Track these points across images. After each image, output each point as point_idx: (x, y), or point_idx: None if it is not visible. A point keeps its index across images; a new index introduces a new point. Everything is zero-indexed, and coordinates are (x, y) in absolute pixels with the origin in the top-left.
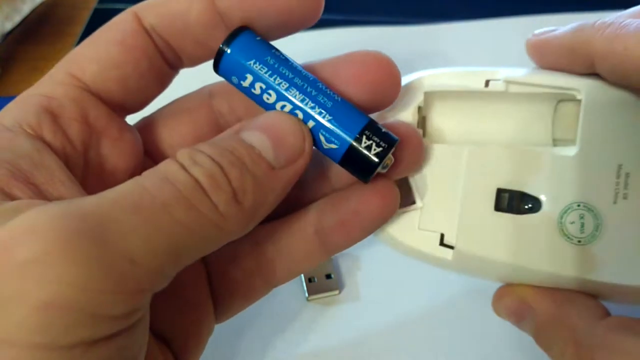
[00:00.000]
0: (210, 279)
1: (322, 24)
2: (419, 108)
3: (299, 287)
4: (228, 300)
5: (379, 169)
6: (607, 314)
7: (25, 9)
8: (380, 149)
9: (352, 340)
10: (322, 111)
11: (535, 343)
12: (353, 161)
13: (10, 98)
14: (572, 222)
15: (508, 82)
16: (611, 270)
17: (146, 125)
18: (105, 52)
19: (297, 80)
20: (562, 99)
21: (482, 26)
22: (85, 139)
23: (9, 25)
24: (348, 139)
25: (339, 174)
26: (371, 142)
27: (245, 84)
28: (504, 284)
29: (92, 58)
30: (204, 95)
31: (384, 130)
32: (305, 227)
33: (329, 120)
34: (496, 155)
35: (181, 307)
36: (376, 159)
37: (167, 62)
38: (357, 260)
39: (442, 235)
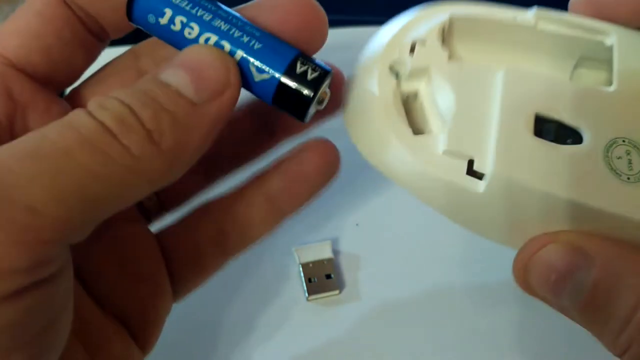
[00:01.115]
0: (165, 253)
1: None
2: (443, 32)
3: (299, 287)
4: (185, 274)
5: (315, 104)
6: None
7: None
8: (317, 73)
9: (352, 340)
10: (252, 39)
11: (581, 313)
12: (288, 94)
13: None
14: (619, 157)
15: (538, 17)
16: None
17: (75, 94)
18: (25, 24)
19: (220, 12)
20: (584, 55)
21: None
22: (9, 114)
23: None
24: (281, 66)
25: (283, 127)
26: (306, 67)
27: (164, 20)
28: (536, 234)
29: (13, 31)
30: (129, 57)
31: (316, 60)
32: (253, 194)
33: (258, 49)
34: (534, 80)
35: (135, 283)
36: (312, 88)
37: (90, 32)
38: (357, 260)
39: (470, 162)
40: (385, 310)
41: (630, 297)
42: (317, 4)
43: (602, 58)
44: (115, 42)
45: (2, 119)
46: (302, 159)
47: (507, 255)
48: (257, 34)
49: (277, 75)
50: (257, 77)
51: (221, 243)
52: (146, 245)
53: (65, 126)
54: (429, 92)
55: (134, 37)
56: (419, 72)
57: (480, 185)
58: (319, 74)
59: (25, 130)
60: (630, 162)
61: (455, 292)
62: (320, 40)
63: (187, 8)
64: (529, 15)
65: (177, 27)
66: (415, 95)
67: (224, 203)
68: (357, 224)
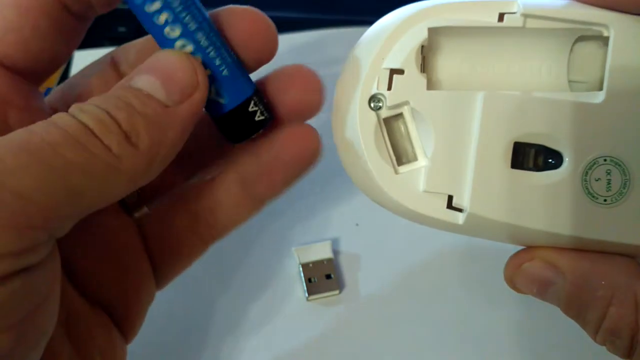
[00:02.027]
0: (145, 242)
1: (322, 24)
2: (422, 47)
3: (299, 287)
4: (166, 262)
5: (253, 136)
6: None
7: None
8: (262, 117)
9: (352, 340)
10: (222, 65)
11: (564, 312)
12: (231, 123)
13: None
14: (598, 179)
15: (526, 15)
16: None
17: (54, 98)
18: (2, 17)
19: (205, 25)
20: (582, 35)
21: None
22: None
23: None
24: (236, 101)
25: None
26: (256, 109)
27: (150, 8)
28: (521, 247)
29: None
30: (107, 61)
31: (266, 101)
32: (229, 181)
33: (225, 77)
34: (513, 104)
35: (117, 271)
36: (254, 129)
37: (73, 14)
38: (357, 260)
39: (450, 197)
40: (385, 310)
41: (599, 307)
42: (265, 16)
43: (599, 36)
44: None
45: None
46: (278, 144)
47: (507, 256)
48: (229, 60)
49: (229, 106)
50: (213, 95)
51: (198, 230)
52: (128, 235)
53: (51, 125)
54: (410, 121)
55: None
56: (399, 105)
57: (459, 218)
58: (264, 118)
59: (5, 126)
60: (609, 182)
61: (455, 292)
62: (270, 54)
63: (178, 9)
64: (516, 13)
65: (160, 21)
66: (399, 115)
67: (199, 189)
68: (357, 224)
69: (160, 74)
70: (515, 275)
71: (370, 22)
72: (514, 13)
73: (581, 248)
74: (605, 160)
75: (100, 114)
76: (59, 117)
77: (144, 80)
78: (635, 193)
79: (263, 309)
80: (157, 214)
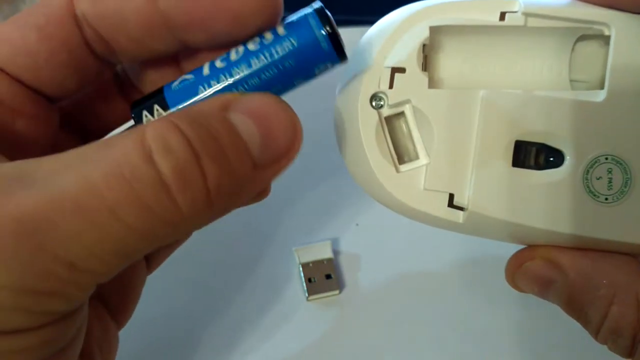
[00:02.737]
0: None
1: None
2: (423, 46)
3: (299, 287)
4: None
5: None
6: None
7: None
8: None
9: (352, 340)
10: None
11: (565, 311)
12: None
13: None
14: (599, 178)
15: (527, 14)
16: None
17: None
18: (21, 36)
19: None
20: (584, 34)
21: None
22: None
23: None
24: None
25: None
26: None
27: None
28: (523, 245)
29: (7, 39)
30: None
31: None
32: None
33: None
34: (514, 102)
35: None
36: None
37: (96, 55)
38: (357, 260)
39: (451, 196)
40: (385, 310)
41: (601, 306)
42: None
43: (601, 35)
44: None
45: None
46: None
47: (507, 256)
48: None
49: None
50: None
51: None
52: None
53: (117, 174)
54: (411, 119)
55: None
56: (400, 103)
57: (460, 217)
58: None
59: (12, 134)
60: (610, 181)
61: (455, 292)
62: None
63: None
64: (517, 12)
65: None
66: (401, 113)
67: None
68: (357, 224)
69: (264, 126)
70: (517, 274)
71: (370, 22)
72: (515, 12)
73: (583, 247)
74: (606, 158)
75: (187, 161)
76: (131, 163)
77: (246, 125)
78: (637, 192)
79: (263, 308)
80: None
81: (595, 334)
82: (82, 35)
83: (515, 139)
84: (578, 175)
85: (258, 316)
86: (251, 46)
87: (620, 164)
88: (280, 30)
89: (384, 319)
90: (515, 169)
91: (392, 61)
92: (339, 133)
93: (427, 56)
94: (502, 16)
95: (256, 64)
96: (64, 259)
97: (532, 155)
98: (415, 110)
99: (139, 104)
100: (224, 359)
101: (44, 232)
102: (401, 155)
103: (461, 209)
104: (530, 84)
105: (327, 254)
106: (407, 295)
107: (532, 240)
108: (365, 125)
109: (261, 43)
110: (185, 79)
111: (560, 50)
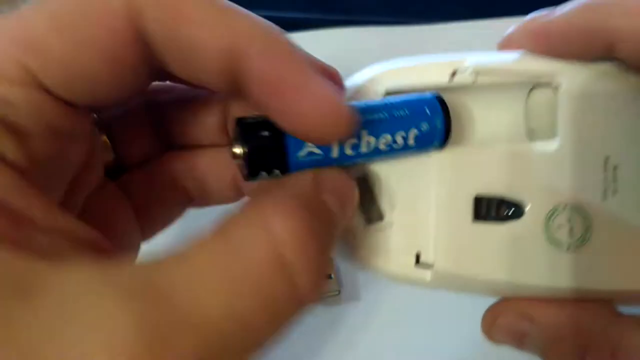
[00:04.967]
0: (136, 213)
1: (322, 24)
2: None
3: None
4: (152, 225)
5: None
6: (618, 313)
7: None
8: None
9: (352, 340)
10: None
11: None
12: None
13: None
14: (560, 226)
15: (477, 72)
16: (607, 276)
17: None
18: (87, 62)
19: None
20: (536, 84)
21: (483, 26)
22: (47, 152)
23: None
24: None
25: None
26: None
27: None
28: (496, 298)
29: (61, 60)
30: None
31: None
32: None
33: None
34: (469, 158)
35: (110, 237)
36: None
37: (150, 72)
38: None
39: (417, 255)
40: (385, 310)
41: (576, 357)
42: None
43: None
44: None
45: (40, 158)
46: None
47: None
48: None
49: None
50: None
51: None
52: (116, 199)
53: (263, 307)
54: (374, 182)
55: None
56: (362, 168)
57: (428, 275)
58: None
59: (66, 164)
60: (571, 229)
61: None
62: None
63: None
64: (467, 70)
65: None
66: (365, 177)
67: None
68: None
69: (342, 201)
70: (492, 330)
71: (370, 22)
72: (464, 71)
73: (554, 297)
74: (564, 207)
75: (315, 260)
76: (256, 250)
77: (335, 206)
78: (597, 237)
79: None
80: (138, 178)
81: None
82: (142, 52)
83: (475, 194)
84: (539, 225)
85: None
86: (382, 146)
87: (579, 211)
88: (411, 142)
89: (384, 319)
90: (477, 224)
91: None
92: None
93: None
94: (454, 74)
95: (381, 158)
96: None
97: (492, 208)
98: (374, 174)
99: (256, 161)
100: None
101: None
102: (370, 216)
103: (429, 267)
104: (486, 139)
105: None
106: (407, 296)
107: (502, 294)
108: None
109: (390, 146)
110: (314, 154)
111: (515, 102)
